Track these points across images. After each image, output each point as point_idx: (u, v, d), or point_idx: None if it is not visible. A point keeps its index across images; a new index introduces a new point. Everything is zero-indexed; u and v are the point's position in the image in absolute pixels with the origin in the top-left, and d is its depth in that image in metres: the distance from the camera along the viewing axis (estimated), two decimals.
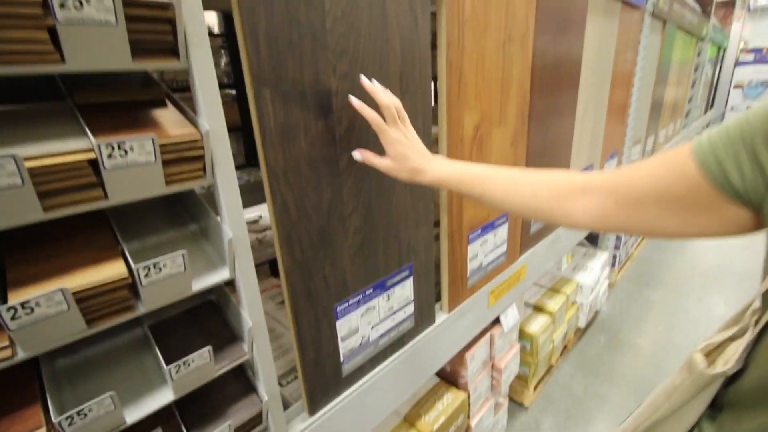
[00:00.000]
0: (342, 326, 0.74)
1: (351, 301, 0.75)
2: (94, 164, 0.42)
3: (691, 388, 0.45)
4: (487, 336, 1.32)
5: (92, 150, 0.41)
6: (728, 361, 0.42)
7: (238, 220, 0.54)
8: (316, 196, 0.63)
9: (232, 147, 0.48)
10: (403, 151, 0.60)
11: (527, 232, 1.32)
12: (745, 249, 3.01)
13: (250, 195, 1.18)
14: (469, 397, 1.26)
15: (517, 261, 1.28)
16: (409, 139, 0.61)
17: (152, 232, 0.62)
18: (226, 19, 1.97)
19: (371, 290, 0.78)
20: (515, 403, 1.74)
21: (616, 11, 1.58)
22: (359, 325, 0.78)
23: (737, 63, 6.53)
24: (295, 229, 0.62)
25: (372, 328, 0.81)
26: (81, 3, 0.38)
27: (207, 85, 0.47)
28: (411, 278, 0.87)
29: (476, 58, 0.89)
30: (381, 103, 0.60)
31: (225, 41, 2.09)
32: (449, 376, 1.29)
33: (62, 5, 0.37)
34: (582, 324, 2.04)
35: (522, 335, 1.65)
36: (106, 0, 0.38)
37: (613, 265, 2.54)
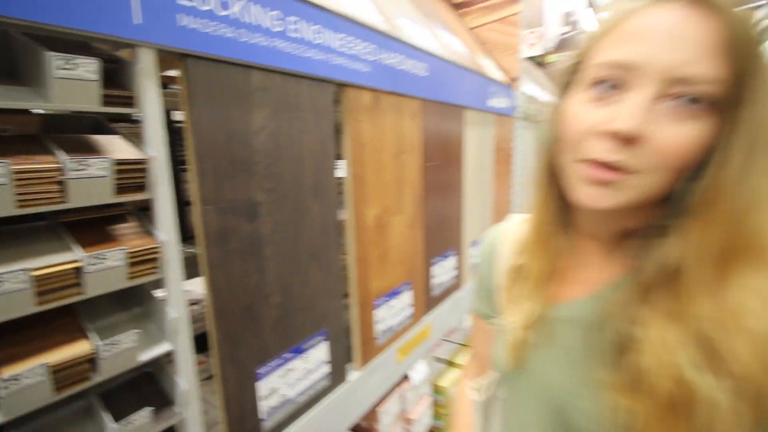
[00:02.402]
0: (262, 386, 0.90)
1: (271, 364, 0.91)
2: (77, 269, 0.58)
3: None
4: (399, 391, 1.50)
5: (79, 261, 0.58)
6: None
7: (180, 302, 0.71)
8: (244, 280, 0.83)
9: None
10: None
11: (430, 295, 1.59)
12: None
13: None
14: None
15: (422, 320, 1.53)
16: None
17: (104, 315, 0.75)
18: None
19: (289, 354, 0.96)
20: None
21: (492, 120, 2.07)
22: (278, 385, 0.94)
23: None
24: (226, 307, 0.80)
25: (290, 387, 0.97)
26: (87, 165, 0.58)
27: (164, 208, 0.68)
28: (325, 342, 1.06)
29: (375, 168, 1.19)
30: None
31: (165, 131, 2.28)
32: None
33: (70, 169, 0.56)
34: None
35: (436, 389, 1.85)
36: (104, 163, 0.59)
37: None
